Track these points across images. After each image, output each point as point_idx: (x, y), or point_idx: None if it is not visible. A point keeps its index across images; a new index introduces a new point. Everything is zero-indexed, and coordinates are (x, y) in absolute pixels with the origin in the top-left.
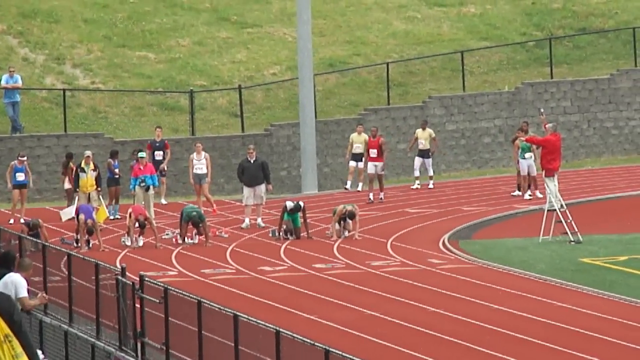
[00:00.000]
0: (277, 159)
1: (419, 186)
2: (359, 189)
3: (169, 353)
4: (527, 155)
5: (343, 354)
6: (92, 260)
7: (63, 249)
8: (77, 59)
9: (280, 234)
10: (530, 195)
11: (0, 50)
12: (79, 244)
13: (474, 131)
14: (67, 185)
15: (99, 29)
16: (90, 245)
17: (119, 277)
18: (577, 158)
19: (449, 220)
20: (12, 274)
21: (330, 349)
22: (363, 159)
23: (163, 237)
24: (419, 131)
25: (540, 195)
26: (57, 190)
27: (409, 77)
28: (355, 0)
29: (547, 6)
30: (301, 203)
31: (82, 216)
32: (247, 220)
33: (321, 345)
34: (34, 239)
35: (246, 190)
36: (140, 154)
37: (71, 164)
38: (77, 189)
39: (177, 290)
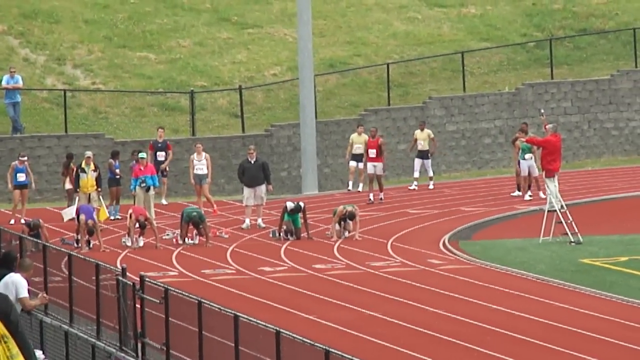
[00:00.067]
0: (278, 160)
1: (416, 187)
2: (360, 189)
3: (170, 353)
4: (527, 156)
5: (343, 354)
6: (93, 260)
7: (63, 250)
8: (78, 60)
9: (281, 234)
10: (530, 196)
11: (1, 50)
12: (80, 245)
13: (474, 132)
14: (68, 185)
15: (99, 30)
16: (91, 245)
17: (120, 278)
18: (578, 159)
19: (449, 221)
20: (12, 274)
21: (330, 349)
22: (363, 159)
23: (163, 237)
24: (417, 132)
25: (544, 196)
26: (58, 190)
27: (409, 77)
28: (355, 0)
29: (548, 7)
30: (301, 203)
31: (82, 216)
32: (247, 221)
33: (321, 346)
34: (35, 239)
35: (246, 191)
36: (140, 155)
37: (72, 164)
38: (78, 190)
39: (177, 290)
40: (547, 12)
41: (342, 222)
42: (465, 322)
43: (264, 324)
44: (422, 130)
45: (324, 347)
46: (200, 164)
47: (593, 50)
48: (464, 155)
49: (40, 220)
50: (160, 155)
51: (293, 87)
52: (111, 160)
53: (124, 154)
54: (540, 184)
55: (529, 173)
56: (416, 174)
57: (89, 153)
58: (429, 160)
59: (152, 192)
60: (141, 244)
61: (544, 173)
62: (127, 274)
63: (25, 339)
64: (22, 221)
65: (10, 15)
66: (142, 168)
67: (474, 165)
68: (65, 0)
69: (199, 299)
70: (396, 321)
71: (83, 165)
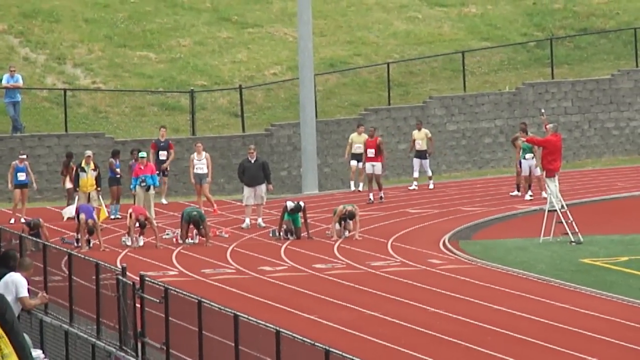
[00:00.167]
0: (278, 159)
1: (416, 187)
2: (360, 189)
3: (169, 353)
4: (527, 155)
5: (343, 354)
6: (93, 260)
7: (64, 249)
8: (78, 59)
9: (281, 234)
10: (531, 195)
11: (1, 49)
12: (80, 244)
13: (474, 131)
14: (68, 184)
15: (99, 29)
16: (91, 245)
17: (120, 277)
18: (578, 158)
19: (449, 221)
20: (12, 273)
21: (331, 349)
22: (362, 158)
23: (163, 237)
24: (415, 132)
25: (545, 196)
26: (58, 190)
27: (409, 77)
28: (356, 0)
29: (548, 6)
30: (302, 203)
31: (82, 216)
32: (247, 220)
33: (321, 345)
34: (35, 239)
35: (247, 190)
36: (140, 154)
37: (71, 163)
38: (77, 189)
39: (177, 290)
40: (547, 12)
41: (343, 222)
42: (466, 322)
43: (264, 323)
44: (419, 130)
45: (324, 347)
46: (201, 164)
47: (594, 50)
48: (464, 155)
49: (41, 220)
50: (163, 155)
51: (293, 87)
52: (112, 160)
53: (124, 153)
54: (542, 183)
55: (530, 173)
56: (415, 174)
57: (88, 152)
58: (427, 160)
59: (152, 191)
60: (141, 243)
61: (544, 173)
62: (127, 273)
63: (20, 339)
64: (22, 220)
65: (10, 14)
66: (142, 167)
67: (475, 165)
68: None
69: (199, 298)
70: (396, 321)
71: (83, 164)
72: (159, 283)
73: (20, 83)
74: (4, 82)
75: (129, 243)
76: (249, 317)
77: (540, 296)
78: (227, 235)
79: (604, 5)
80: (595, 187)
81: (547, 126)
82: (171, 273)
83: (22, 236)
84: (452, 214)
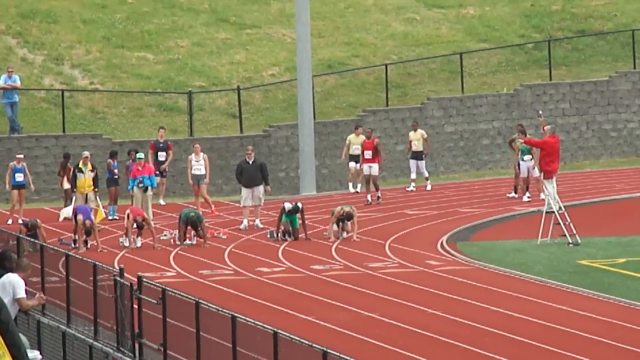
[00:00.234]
0: (276, 160)
1: (414, 189)
2: (358, 190)
3: (167, 354)
4: (526, 157)
5: (341, 355)
6: (90, 260)
7: (61, 250)
8: (76, 60)
9: (279, 235)
10: (529, 197)
11: None
12: (77, 245)
13: (472, 133)
14: (66, 185)
15: (97, 30)
16: (88, 245)
17: (117, 278)
18: (576, 160)
19: (447, 222)
20: (10, 274)
21: (328, 350)
22: (359, 160)
23: (161, 238)
24: (411, 133)
25: (543, 197)
26: (56, 190)
27: (407, 78)
28: (354, 1)
29: (546, 8)
30: (299, 204)
31: (80, 217)
32: (245, 222)
33: (319, 347)
34: (32, 240)
35: (244, 192)
36: (138, 155)
37: (69, 164)
38: (75, 190)
39: (175, 291)
40: (545, 13)
41: (341, 223)
42: (463, 323)
43: (262, 324)
44: (415, 130)
45: (322, 348)
46: (198, 165)
47: (591, 52)
48: (462, 157)
49: (38, 221)
50: (162, 155)
51: (291, 88)
52: (110, 160)
53: (121, 154)
54: (540, 185)
55: (528, 174)
56: (413, 175)
57: (86, 153)
58: (423, 162)
59: (149, 192)
60: (139, 244)
61: (542, 174)
62: (125, 274)
63: (15, 339)
64: (20, 221)
65: (8, 15)
66: (140, 168)
67: (472, 167)
68: (64, 0)
69: (197, 299)
70: (394, 322)
71: (80, 165)
72: (157, 284)
73: (18, 84)
74: (1, 83)
75: (126, 244)
76: (247, 318)
77: (537, 298)
78: (224, 237)
79: (602, 7)
80: (593, 189)
81: (545, 128)
82: (169, 274)
83: (20, 237)
84: (450, 215)
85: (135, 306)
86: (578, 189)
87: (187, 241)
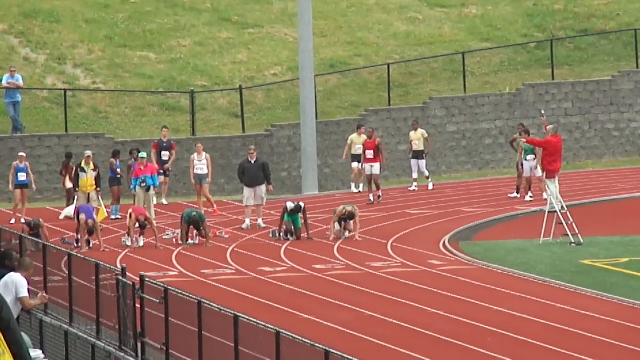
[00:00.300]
0: (278, 160)
1: (416, 188)
2: (360, 189)
3: (169, 353)
4: (529, 157)
5: (343, 354)
6: (93, 260)
7: (64, 249)
8: (78, 59)
9: (281, 234)
10: (531, 197)
11: (2, 50)
12: (80, 244)
13: (474, 132)
14: (68, 184)
15: (100, 29)
16: (91, 245)
17: (120, 277)
18: (578, 160)
19: (449, 222)
20: (12, 273)
21: (330, 350)
22: (361, 159)
23: (163, 237)
24: (411, 133)
25: (546, 197)
26: (58, 190)
27: (409, 78)
28: (356, 1)
29: (549, 7)
30: (302, 204)
31: (82, 216)
32: (247, 221)
33: (321, 346)
34: (35, 239)
35: (247, 191)
36: (140, 154)
37: (71, 163)
38: (77, 189)
39: (177, 290)
40: (548, 13)
41: (343, 222)
42: (466, 323)
43: (264, 324)
44: (415, 130)
45: (324, 348)
46: (201, 164)
47: (594, 51)
48: (464, 156)
49: (41, 220)
50: (165, 155)
51: (293, 87)
52: (112, 160)
53: (124, 153)
54: (543, 184)
55: (531, 174)
56: (415, 175)
57: (88, 152)
58: (424, 161)
59: (152, 191)
60: (141, 243)
61: (544, 174)
62: (127, 273)
63: (17, 338)
64: (23, 221)
65: (10, 14)
66: (142, 168)
67: (475, 166)
68: None
69: (199, 299)
70: (396, 322)
71: (83, 164)
72: (159, 283)
73: (21, 83)
74: (4, 82)
75: (129, 243)
76: (249, 318)
77: (540, 297)
78: (227, 236)
79: (605, 7)
80: (595, 189)
81: (547, 127)
82: (171, 273)
83: (22, 236)
84: (452, 215)
85: (138, 305)
86: (580, 189)
87: (190, 241)
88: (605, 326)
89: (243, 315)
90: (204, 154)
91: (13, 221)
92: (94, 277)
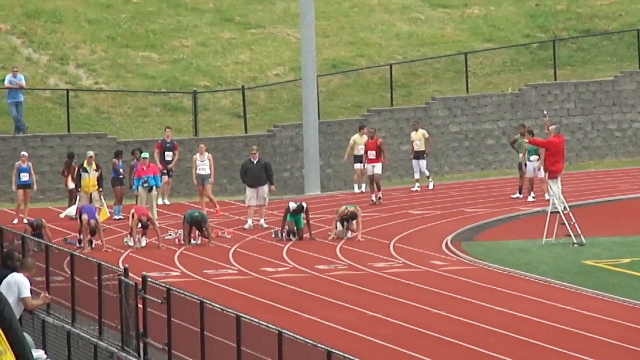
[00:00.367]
0: (280, 160)
1: (418, 188)
2: (363, 190)
3: (171, 353)
4: (532, 157)
5: (345, 354)
6: (95, 260)
7: (66, 249)
8: (81, 59)
9: (283, 234)
10: (534, 197)
11: (4, 50)
12: (82, 244)
13: (477, 133)
14: (70, 184)
15: (102, 30)
16: (93, 245)
17: (122, 278)
18: (581, 160)
19: (451, 222)
20: (15, 273)
21: (333, 350)
22: (363, 160)
23: (166, 237)
24: (412, 133)
25: (548, 198)
26: (60, 190)
27: (412, 78)
28: (358, 1)
29: (551, 8)
30: (304, 204)
31: (85, 216)
32: (249, 221)
33: (323, 346)
34: (37, 239)
35: (249, 191)
36: (143, 154)
37: (73, 163)
38: (79, 189)
39: (179, 290)
40: (550, 13)
41: (345, 223)
42: (468, 323)
43: (266, 324)
44: (416, 130)
45: (326, 348)
46: (203, 164)
47: (596, 52)
48: (466, 156)
49: (43, 220)
50: (169, 155)
51: (296, 88)
52: (115, 160)
53: (126, 154)
54: (545, 185)
55: (534, 174)
56: (416, 176)
57: (90, 153)
58: (424, 161)
59: (154, 192)
60: (143, 244)
61: (546, 174)
62: (130, 274)
63: (19, 337)
64: (25, 221)
65: (13, 14)
66: (144, 168)
67: (477, 166)
68: (69, 0)
69: (201, 299)
70: (398, 322)
71: (85, 164)
72: (161, 284)
73: (23, 83)
74: (6, 83)
75: (131, 244)
76: (251, 318)
77: (542, 298)
78: (229, 236)
79: (607, 7)
80: (597, 189)
81: (550, 127)
82: (173, 274)
83: (25, 236)
84: (454, 215)
85: (140, 306)
86: (583, 189)
87: (192, 241)
88: (607, 326)
89: (245, 316)
90: (206, 154)
91: (15, 221)
92: (96, 277)
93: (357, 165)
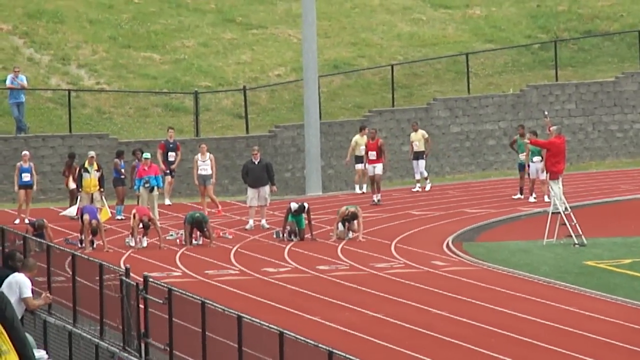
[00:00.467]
0: (282, 161)
1: (419, 189)
2: (364, 190)
3: (173, 354)
4: (535, 159)
5: (346, 355)
6: (97, 260)
7: (67, 249)
8: (82, 60)
9: (284, 235)
10: (535, 198)
11: (6, 50)
12: (83, 245)
13: (478, 133)
14: (71, 185)
15: (104, 30)
16: (95, 245)
17: (123, 278)
18: (582, 161)
19: (453, 223)
20: (16, 274)
21: (334, 350)
22: (364, 160)
23: (167, 237)
24: (412, 134)
25: (548, 200)
26: (62, 190)
27: (413, 79)
28: (360, 2)
29: (553, 8)
30: (305, 204)
31: (86, 216)
32: (251, 222)
33: (324, 347)
34: (39, 239)
35: (250, 192)
36: (144, 155)
37: (74, 164)
38: (80, 189)
39: (181, 291)
40: (551, 14)
41: (347, 223)
42: (469, 324)
43: (268, 324)
44: (415, 131)
45: (328, 348)
46: (205, 165)
47: (598, 52)
48: (468, 157)
49: (45, 220)
50: (172, 156)
51: (297, 88)
52: (117, 160)
53: (128, 154)
54: (546, 187)
55: (537, 175)
56: (417, 176)
57: (92, 153)
58: (423, 161)
59: (155, 192)
60: (145, 244)
61: (548, 175)
62: (131, 274)
63: (21, 336)
64: (27, 221)
65: (14, 15)
66: (146, 168)
67: (478, 167)
68: (70, 0)
69: (203, 299)
70: (400, 322)
71: (86, 165)
72: (163, 284)
73: (25, 84)
74: (8, 83)
75: (132, 244)
76: (253, 318)
77: (543, 298)
78: (230, 237)
79: (608, 8)
80: (598, 190)
81: (551, 128)
82: (175, 274)
83: (26, 237)
84: (455, 215)
85: (141, 306)
86: (584, 190)
87: (194, 241)
88: (609, 327)
89: (246, 316)
90: (207, 154)
91: (17, 221)
92: (97, 278)
93: (358, 166)
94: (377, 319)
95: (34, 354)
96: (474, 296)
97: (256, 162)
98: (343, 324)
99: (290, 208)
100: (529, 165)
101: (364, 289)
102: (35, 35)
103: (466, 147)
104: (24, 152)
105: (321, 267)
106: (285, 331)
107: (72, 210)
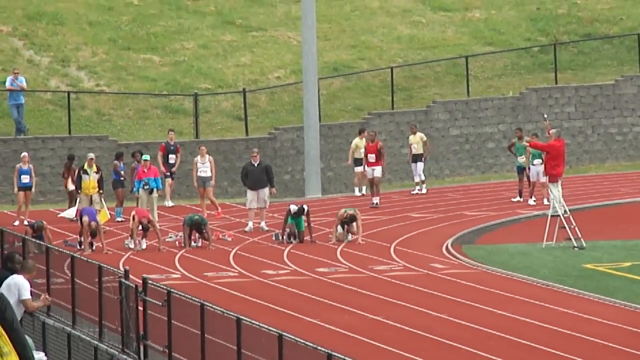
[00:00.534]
0: (281, 163)
1: (418, 191)
2: (364, 193)
3: (172, 356)
4: (535, 161)
5: (345, 357)
6: (96, 262)
7: (66, 251)
8: (82, 62)
9: (284, 237)
10: (534, 201)
11: (6, 52)
12: (83, 246)
13: (477, 136)
14: (70, 186)
15: (103, 32)
16: (94, 247)
17: (122, 280)
18: (581, 164)
19: (452, 225)
20: (15, 275)
21: (333, 353)
22: (363, 163)
23: (166, 239)
24: (410, 137)
25: (547, 203)
26: (61, 192)
27: (413, 81)
28: (360, 4)
29: (552, 12)
30: (305, 207)
31: (85, 218)
32: (250, 224)
33: (323, 349)
34: (38, 241)
35: (250, 194)
36: (144, 157)
37: (73, 165)
38: (79, 191)
39: (180, 293)
40: (551, 17)
41: (346, 225)
42: (468, 326)
43: (267, 327)
44: (414, 134)
45: (327, 351)
46: (204, 167)
47: (597, 55)
48: (467, 160)
49: (44, 222)
50: (172, 158)
51: (297, 91)
52: (116, 162)
53: (127, 156)
54: (545, 190)
55: (537, 178)
56: (416, 179)
57: (91, 155)
58: (421, 164)
59: (155, 194)
60: (144, 246)
61: (547, 178)
62: (130, 276)
63: (21, 337)
64: (26, 223)
65: (14, 16)
66: (145, 170)
67: (478, 170)
68: (70, 2)
69: (202, 301)
70: (399, 325)
71: (85, 166)
72: (162, 286)
73: (24, 85)
74: (7, 85)
75: (131, 246)
76: (252, 321)
77: (543, 301)
78: (230, 239)
79: (608, 11)
80: (598, 193)
81: (550, 131)
82: (174, 276)
83: (25, 238)
84: (455, 218)
85: (140, 308)
86: (583, 193)
87: (193, 243)
88: (608, 330)
89: (246, 318)
90: (207, 156)
91: (16, 223)
92: (96, 280)
93: (358, 169)
94: (376, 322)
95: (33, 355)
96: (473, 299)
97: (255, 165)
98: (342, 326)
99: (289, 210)
100: (529, 168)
101: (363, 291)
102: (35, 37)
103: (466, 150)
104: (23, 154)
105: (320, 270)
106: (284, 333)
107: (71, 212)
